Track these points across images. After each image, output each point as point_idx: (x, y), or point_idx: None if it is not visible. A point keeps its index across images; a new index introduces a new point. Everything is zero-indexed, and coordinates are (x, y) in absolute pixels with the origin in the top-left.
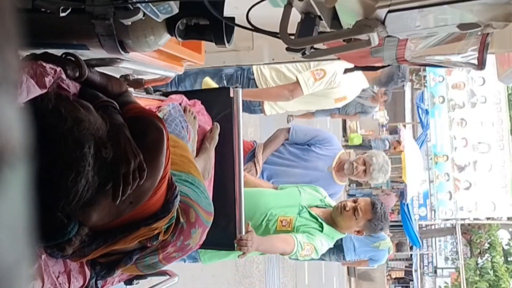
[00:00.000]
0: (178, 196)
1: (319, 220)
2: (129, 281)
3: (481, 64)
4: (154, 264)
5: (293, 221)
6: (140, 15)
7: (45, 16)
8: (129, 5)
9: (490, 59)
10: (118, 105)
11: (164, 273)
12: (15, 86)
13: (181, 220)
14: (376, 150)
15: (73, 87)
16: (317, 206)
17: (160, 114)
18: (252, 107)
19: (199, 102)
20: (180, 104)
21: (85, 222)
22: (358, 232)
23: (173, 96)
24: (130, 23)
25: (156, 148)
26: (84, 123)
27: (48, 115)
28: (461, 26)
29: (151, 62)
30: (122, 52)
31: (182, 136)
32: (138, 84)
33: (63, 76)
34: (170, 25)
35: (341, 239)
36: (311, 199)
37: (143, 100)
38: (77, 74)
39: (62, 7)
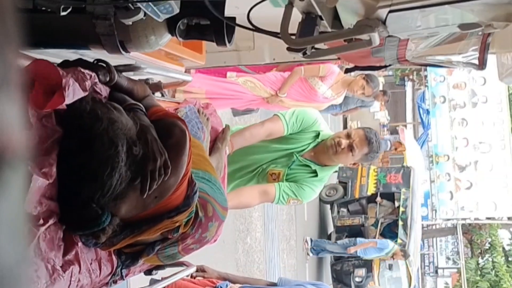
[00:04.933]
0: (197, 192)
1: (313, 167)
2: (148, 271)
3: (482, 64)
4: (174, 254)
5: (282, 174)
6: (141, 15)
7: (46, 16)
8: (130, 5)
9: (491, 59)
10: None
11: (181, 264)
12: (16, 86)
13: (200, 214)
14: None
15: (104, 90)
16: (308, 147)
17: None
18: None
19: (212, 104)
20: (194, 105)
21: (115, 214)
22: (354, 164)
23: (188, 99)
24: (131, 23)
25: (179, 148)
26: (117, 123)
27: (86, 116)
28: (462, 26)
29: (151, 62)
30: (123, 52)
31: (198, 137)
32: (157, 87)
33: (97, 80)
34: (171, 25)
35: (355, 238)
36: (304, 143)
37: (161, 102)
38: (108, 79)
39: (62, 6)
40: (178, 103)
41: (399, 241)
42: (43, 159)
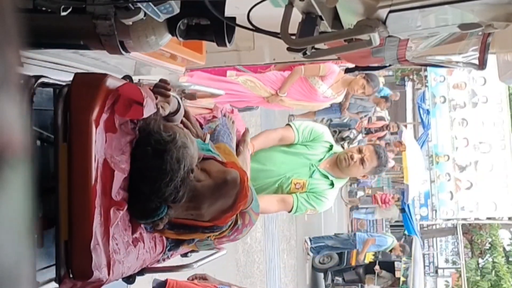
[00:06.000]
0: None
1: (330, 178)
2: (185, 254)
3: (482, 64)
4: (209, 245)
5: (306, 184)
6: (141, 15)
7: (46, 16)
8: (130, 5)
9: (491, 59)
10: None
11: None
12: (16, 86)
13: (239, 222)
14: None
15: None
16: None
17: (212, 125)
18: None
19: (236, 110)
20: (221, 111)
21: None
22: (363, 176)
23: (218, 104)
24: (131, 23)
25: (221, 194)
26: (187, 149)
27: (165, 134)
28: (462, 26)
29: (152, 62)
30: (123, 52)
31: (230, 145)
32: (192, 97)
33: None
34: (171, 25)
35: (354, 234)
36: (320, 154)
37: (195, 108)
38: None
39: (63, 7)
40: (210, 109)
41: None
42: (122, 157)
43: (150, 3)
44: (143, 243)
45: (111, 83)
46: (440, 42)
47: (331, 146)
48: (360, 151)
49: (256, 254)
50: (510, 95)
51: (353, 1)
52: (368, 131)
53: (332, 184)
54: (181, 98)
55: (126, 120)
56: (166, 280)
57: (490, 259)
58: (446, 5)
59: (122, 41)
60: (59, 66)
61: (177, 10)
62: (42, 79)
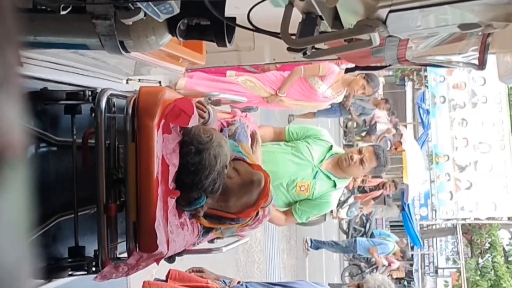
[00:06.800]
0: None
1: (332, 178)
2: (211, 241)
3: (481, 64)
4: (233, 232)
5: (310, 186)
6: (141, 15)
7: (45, 16)
8: (130, 5)
9: (491, 59)
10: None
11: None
12: (16, 86)
13: (260, 213)
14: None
15: None
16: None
17: (232, 127)
18: None
19: (249, 114)
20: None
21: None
22: (365, 176)
23: (235, 109)
24: (131, 23)
25: (246, 191)
26: (222, 148)
27: (204, 136)
28: (462, 26)
29: (152, 62)
30: (123, 52)
31: (249, 147)
32: (217, 103)
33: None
34: (171, 25)
35: (355, 240)
36: (321, 154)
37: (218, 113)
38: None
39: (62, 6)
40: (229, 112)
41: None
42: (173, 155)
43: (150, 3)
44: (187, 227)
45: (169, 95)
46: (440, 42)
47: (331, 146)
48: (360, 152)
49: (256, 254)
50: (510, 95)
51: (353, 1)
52: (362, 190)
53: (334, 185)
54: (208, 104)
55: (175, 125)
56: (169, 270)
57: (490, 259)
58: (446, 5)
59: (122, 41)
60: (59, 66)
61: (177, 10)
62: (111, 91)
